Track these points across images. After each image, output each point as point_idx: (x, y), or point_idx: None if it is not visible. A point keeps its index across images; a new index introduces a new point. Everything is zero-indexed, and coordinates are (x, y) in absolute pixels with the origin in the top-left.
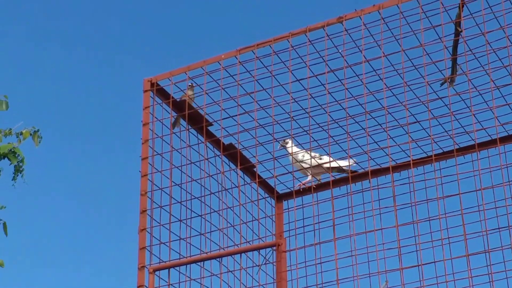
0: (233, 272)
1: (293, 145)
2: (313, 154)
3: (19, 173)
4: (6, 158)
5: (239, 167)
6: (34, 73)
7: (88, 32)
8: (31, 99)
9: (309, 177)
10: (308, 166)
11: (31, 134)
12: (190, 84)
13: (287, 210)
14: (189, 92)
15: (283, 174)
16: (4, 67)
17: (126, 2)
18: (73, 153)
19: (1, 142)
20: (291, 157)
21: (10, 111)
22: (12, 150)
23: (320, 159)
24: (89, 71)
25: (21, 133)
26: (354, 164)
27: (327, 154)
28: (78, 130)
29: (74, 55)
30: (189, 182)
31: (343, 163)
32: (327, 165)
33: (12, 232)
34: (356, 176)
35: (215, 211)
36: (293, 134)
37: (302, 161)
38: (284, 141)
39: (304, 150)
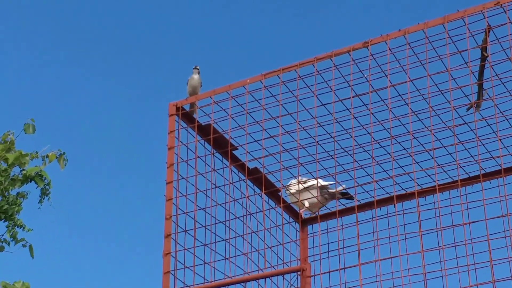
0: None
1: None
2: (302, 181)
3: (45, 196)
4: (33, 181)
5: (263, 191)
6: (60, 97)
7: (115, 56)
8: (57, 123)
9: (306, 204)
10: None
11: (57, 157)
12: (196, 67)
13: (311, 234)
14: (195, 76)
15: (308, 198)
16: (32, 91)
17: (150, 27)
18: (98, 176)
19: (28, 165)
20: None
21: (37, 134)
22: (39, 173)
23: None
24: (114, 94)
25: (47, 156)
26: (344, 189)
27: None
28: (104, 153)
29: (99, 79)
30: (213, 206)
31: (332, 186)
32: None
33: (38, 254)
34: (381, 201)
35: (239, 235)
36: (318, 159)
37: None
38: (288, 185)
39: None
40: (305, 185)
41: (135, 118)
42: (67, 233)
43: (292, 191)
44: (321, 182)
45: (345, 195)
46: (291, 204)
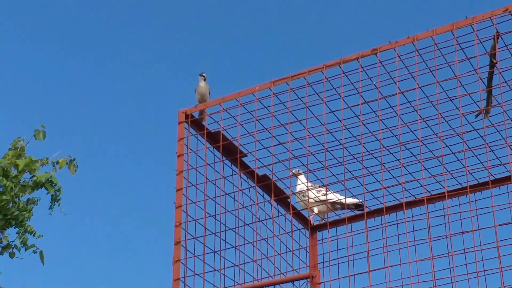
0: None
1: (303, 181)
2: (317, 190)
3: (56, 202)
4: (43, 187)
5: (273, 198)
6: (71, 104)
7: (124, 63)
8: (67, 128)
9: (315, 210)
10: (312, 202)
11: (67, 163)
12: (202, 74)
13: (321, 241)
14: (201, 84)
15: (317, 204)
16: (41, 98)
17: (159, 32)
18: (109, 182)
19: (39, 171)
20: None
21: (47, 140)
22: (49, 179)
23: (323, 195)
24: (125, 102)
25: (57, 162)
26: (360, 202)
27: (332, 191)
28: (114, 159)
29: (110, 84)
30: (223, 213)
31: (348, 199)
32: (332, 199)
33: (48, 260)
34: (391, 207)
35: (249, 242)
36: (327, 166)
37: (304, 197)
38: (298, 170)
39: (311, 185)
40: (318, 196)
41: (146, 124)
42: (77, 239)
43: (304, 198)
44: (334, 196)
45: (358, 207)
46: (300, 211)
